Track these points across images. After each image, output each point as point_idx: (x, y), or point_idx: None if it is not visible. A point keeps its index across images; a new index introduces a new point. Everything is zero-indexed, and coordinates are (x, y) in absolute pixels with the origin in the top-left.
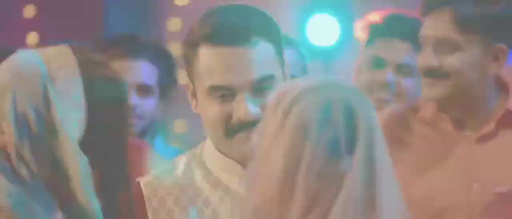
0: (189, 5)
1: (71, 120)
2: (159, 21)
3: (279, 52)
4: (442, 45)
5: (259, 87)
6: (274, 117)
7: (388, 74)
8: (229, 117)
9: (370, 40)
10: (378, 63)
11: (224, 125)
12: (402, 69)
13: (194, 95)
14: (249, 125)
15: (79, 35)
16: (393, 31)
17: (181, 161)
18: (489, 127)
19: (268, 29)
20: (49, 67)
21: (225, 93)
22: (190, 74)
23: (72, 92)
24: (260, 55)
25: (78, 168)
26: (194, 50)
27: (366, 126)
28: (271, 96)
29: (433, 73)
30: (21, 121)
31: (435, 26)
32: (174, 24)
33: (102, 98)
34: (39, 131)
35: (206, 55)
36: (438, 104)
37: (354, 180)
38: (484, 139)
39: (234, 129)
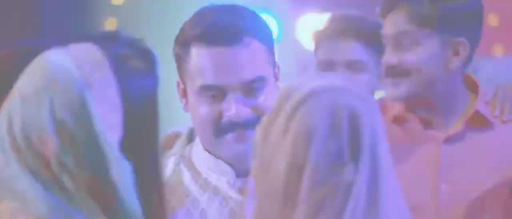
0: (124, 4)
1: (110, 124)
2: (96, 21)
3: (271, 53)
4: (401, 42)
5: (251, 88)
6: (278, 120)
7: (340, 73)
8: (219, 116)
9: (317, 46)
10: (328, 65)
11: (214, 124)
12: (352, 66)
13: (184, 94)
14: (239, 125)
15: (14, 36)
16: (335, 32)
17: (170, 162)
18: (457, 128)
19: (260, 30)
20: (82, 71)
21: (216, 93)
22: (181, 74)
23: (108, 95)
24: (252, 55)
25: (122, 174)
26: (186, 49)
27: (371, 133)
28: (275, 96)
29: (394, 72)
30: (60, 129)
31: (393, 24)
32: (110, 24)
33: (136, 94)
34: (79, 139)
35: (198, 54)
36: (406, 104)
37: (360, 188)
38: (452, 139)
39: (224, 129)
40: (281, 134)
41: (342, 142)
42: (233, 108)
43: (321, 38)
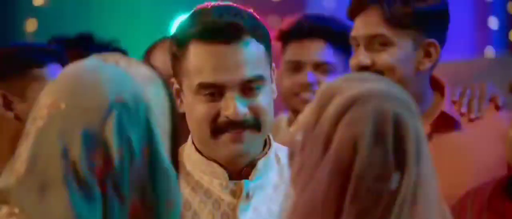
0: (44, 5)
1: (165, 149)
2: (18, 22)
3: (268, 53)
4: (374, 43)
5: (249, 87)
6: (318, 126)
7: (308, 75)
8: (216, 115)
9: (284, 47)
10: (296, 66)
11: (211, 123)
12: (320, 67)
13: (178, 94)
14: (236, 125)
15: None
16: (302, 32)
17: None
18: (425, 130)
19: (258, 30)
20: (144, 92)
21: (213, 91)
22: (177, 72)
23: (163, 110)
24: (251, 54)
25: (175, 201)
26: (184, 47)
27: (415, 139)
28: (314, 98)
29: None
30: (124, 147)
31: (365, 25)
32: (31, 24)
33: (172, 110)
34: (140, 162)
35: (196, 52)
36: None
37: (404, 196)
38: None
39: (220, 128)
40: (323, 141)
41: (388, 150)
42: (232, 107)
43: (287, 38)
